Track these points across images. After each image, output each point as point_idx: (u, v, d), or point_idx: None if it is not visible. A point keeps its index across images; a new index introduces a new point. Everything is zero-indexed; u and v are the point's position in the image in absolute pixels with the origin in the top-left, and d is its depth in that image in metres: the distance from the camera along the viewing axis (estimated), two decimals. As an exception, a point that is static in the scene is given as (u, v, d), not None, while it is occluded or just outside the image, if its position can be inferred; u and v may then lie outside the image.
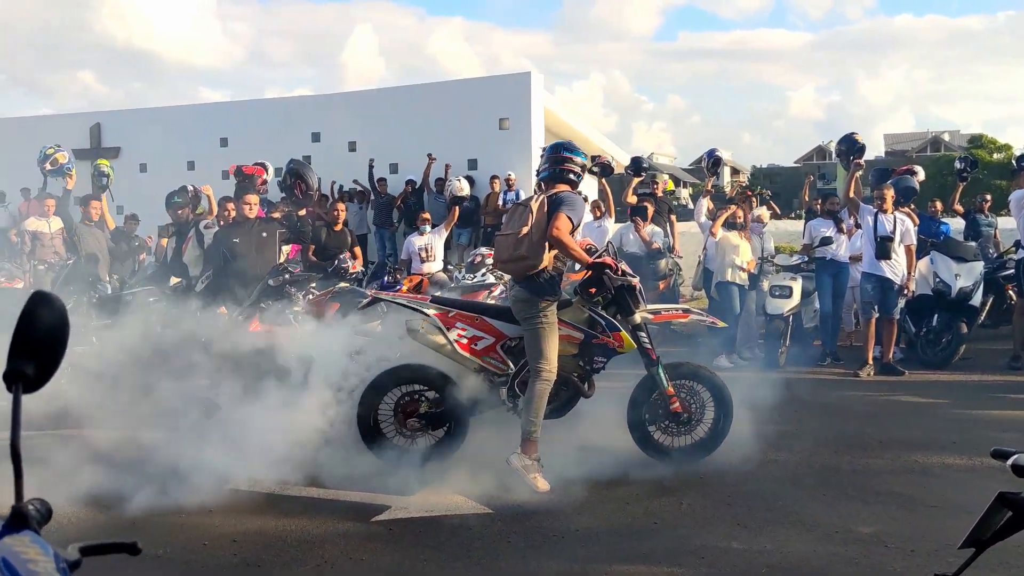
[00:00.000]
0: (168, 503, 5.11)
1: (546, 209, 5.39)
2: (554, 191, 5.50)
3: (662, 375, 5.73)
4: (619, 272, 5.53)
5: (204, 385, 6.03)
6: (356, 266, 8.49)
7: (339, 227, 9.34)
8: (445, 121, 16.48)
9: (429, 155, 15.79)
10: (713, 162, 12.25)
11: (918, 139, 75.21)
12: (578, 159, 5.62)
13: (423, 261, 11.69)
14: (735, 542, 4.61)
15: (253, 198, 7.35)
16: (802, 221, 14.21)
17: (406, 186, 15.93)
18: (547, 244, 5.36)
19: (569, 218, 5.33)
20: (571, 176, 5.59)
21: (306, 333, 6.22)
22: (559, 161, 5.61)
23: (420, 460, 5.51)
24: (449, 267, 11.33)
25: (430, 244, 11.74)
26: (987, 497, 1.97)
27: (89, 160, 19.41)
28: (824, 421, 6.92)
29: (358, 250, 8.64)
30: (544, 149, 6.06)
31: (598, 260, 5.50)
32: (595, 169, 12.86)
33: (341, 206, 9.92)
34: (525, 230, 5.38)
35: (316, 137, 17.69)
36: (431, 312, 5.63)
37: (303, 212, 7.82)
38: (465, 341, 5.58)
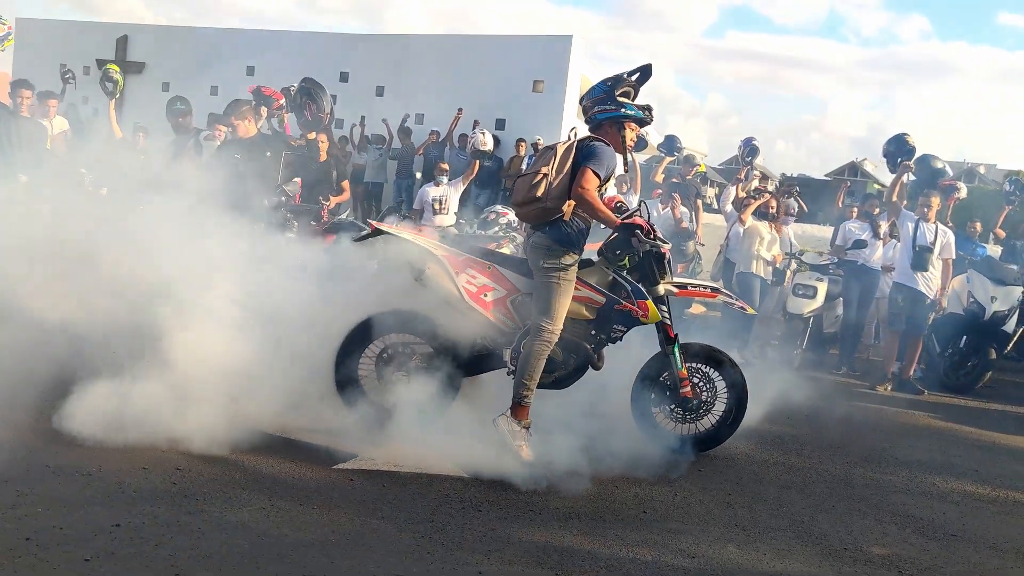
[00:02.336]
0: (117, 422, 4.63)
1: (572, 156, 4.87)
2: (588, 139, 4.97)
3: (677, 355, 5.22)
4: (651, 236, 4.99)
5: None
6: (331, 203, 7.55)
7: (323, 157, 8.46)
8: (477, 76, 15.88)
9: (459, 109, 15.26)
10: (749, 151, 11.65)
11: (952, 168, 73.99)
12: (600, 96, 5.03)
13: (435, 213, 11.17)
14: (731, 545, 4.12)
15: (238, 121, 6.81)
16: (830, 228, 13.64)
17: (429, 136, 15.40)
18: (568, 196, 4.83)
19: (596, 173, 4.79)
20: (603, 115, 5.02)
21: (293, 262, 5.66)
22: (586, 110, 5.09)
23: (400, 420, 4.93)
24: (461, 222, 10.80)
25: (445, 196, 11.22)
26: (1013, 532, 1.47)
27: (111, 71, 19.07)
28: (838, 430, 6.42)
29: (346, 184, 7.64)
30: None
31: (628, 221, 4.94)
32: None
33: (323, 137, 8.84)
34: (544, 170, 4.86)
35: (344, 77, 17.14)
36: (440, 254, 5.07)
37: (312, 136, 7.30)
38: (474, 290, 5.00)
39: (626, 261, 5.07)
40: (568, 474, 4.62)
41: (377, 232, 5.10)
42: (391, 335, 5.17)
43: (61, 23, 20.39)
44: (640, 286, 5.07)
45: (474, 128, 14.93)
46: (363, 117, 16.26)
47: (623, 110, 4.99)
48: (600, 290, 5.06)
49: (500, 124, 15.85)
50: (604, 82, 5.08)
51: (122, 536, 3.42)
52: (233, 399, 4.69)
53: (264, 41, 18.38)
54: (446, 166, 11.72)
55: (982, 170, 71.46)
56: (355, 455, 4.63)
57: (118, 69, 11.25)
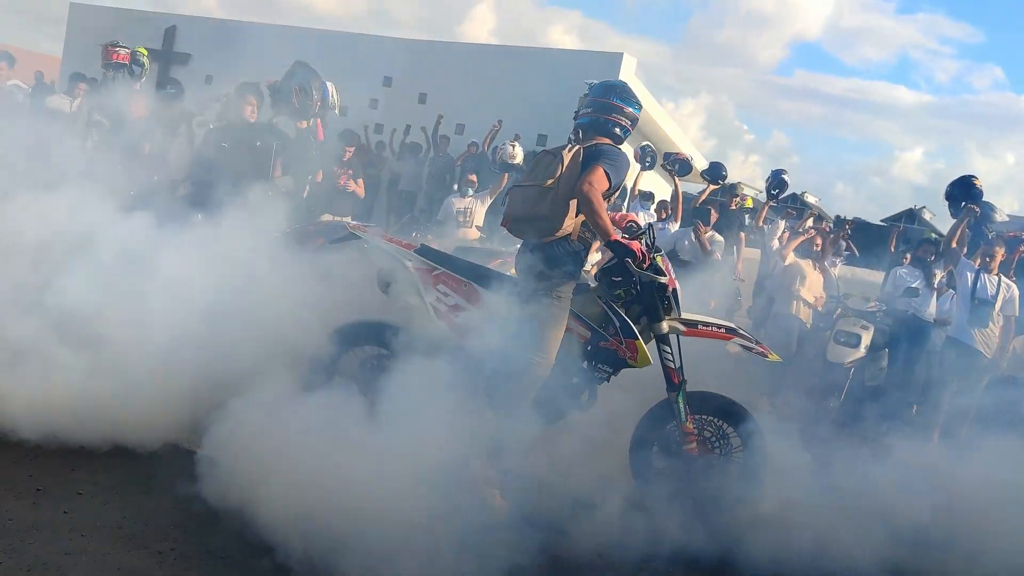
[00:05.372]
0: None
1: (580, 161, 4.26)
2: (593, 142, 4.35)
3: (681, 404, 4.49)
4: (646, 264, 4.28)
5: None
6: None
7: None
8: (522, 89, 15.38)
9: (498, 121, 14.71)
10: (775, 183, 10.71)
11: (1015, 225, 71.93)
12: (630, 109, 4.48)
13: (459, 225, 10.58)
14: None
15: (254, 99, 6.31)
16: (881, 274, 12.78)
17: (468, 148, 14.87)
18: (574, 206, 4.21)
19: (607, 175, 4.20)
20: (616, 130, 4.45)
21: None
22: (606, 109, 4.47)
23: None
24: (484, 236, 10.19)
25: (470, 208, 10.64)
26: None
27: (159, 61, 18.92)
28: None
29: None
30: (588, 88, 4.83)
31: (621, 240, 4.24)
32: (669, 167, 11.61)
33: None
34: (550, 182, 4.24)
35: (388, 81, 16.82)
36: (410, 265, 4.46)
37: (304, 125, 6.75)
38: (444, 308, 4.40)
39: (621, 292, 4.37)
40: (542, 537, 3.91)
41: (352, 236, 4.55)
42: (365, 347, 4.60)
43: (113, 10, 20.34)
44: (630, 323, 4.36)
45: (514, 140, 14.35)
46: (408, 127, 15.85)
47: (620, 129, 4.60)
48: (586, 322, 4.37)
49: (542, 140, 15.27)
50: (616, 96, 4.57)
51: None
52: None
53: (311, 40, 18.08)
54: (474, 177, 11.15)
55: (1046, 228, 69.43)
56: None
57: (146, 52, 10.90)
